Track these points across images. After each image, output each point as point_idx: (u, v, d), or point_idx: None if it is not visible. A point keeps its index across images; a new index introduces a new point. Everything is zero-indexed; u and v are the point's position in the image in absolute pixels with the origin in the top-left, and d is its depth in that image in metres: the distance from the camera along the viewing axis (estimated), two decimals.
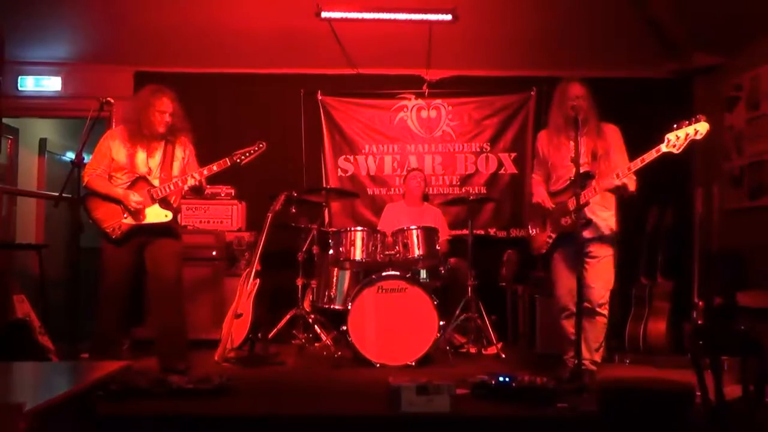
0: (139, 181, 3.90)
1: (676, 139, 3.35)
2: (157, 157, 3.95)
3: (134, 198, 3.85)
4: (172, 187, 3.91)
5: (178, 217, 4.21)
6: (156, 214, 3.90)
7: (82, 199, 3.85)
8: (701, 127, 3.33)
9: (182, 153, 4.03)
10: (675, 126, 3.38)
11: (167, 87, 4.01)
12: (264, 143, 4.04)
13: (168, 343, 4.00)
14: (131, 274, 3.98)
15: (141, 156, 3.93)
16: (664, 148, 3.38)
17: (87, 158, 3.81)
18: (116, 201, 3.87)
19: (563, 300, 3.79)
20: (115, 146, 3.93)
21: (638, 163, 3.42)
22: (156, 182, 3.91)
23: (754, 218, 5.03)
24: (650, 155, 3.40)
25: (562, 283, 3.79)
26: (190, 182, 3.91)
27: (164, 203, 3.93)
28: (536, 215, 3.94)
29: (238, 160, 3.95)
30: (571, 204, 3.62)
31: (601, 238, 3.70)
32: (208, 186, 5.26)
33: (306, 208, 5.17)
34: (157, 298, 4.01)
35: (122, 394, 3.16)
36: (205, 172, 3.93)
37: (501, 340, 4.84)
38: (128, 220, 3.87)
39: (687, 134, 3.33)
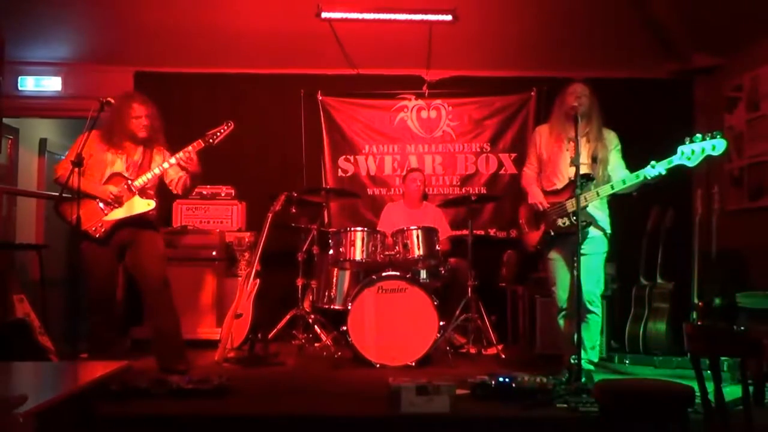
0: (114, 176, 3.90)
1: (691, 153, 3.34)
2: (136, 157, 3.98)
3: (112, 189, 3.85)
4: (150, 176, 3.92)
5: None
6: (139, 205, 3.90)
7: (55, 207, 3.82)
8: (719, 144, 3.30)
9: (161, 158, 4.04)
10: (688, 139, 3.36)
11: (137, 92, 4.08)
12: (232, 122, 4.06)
13: (165, 345, 4.00)
14: (116, 274, 3.99)
15: (119, 157, 3.95)
16: (676, 159, 3.37)
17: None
18: (92, 197, 3.82)
19: (560, 300, 3.81)
20: (94, 145, 3.89)
21: (652, 171, 3.41)
22: (134, 178, 3.93)
23: (754, 219, 5.03)
24: (662, 165, 3.39)
25: (559, 283, 3.81)
26: (165, 166, 3.92)
27: (144, 194, 3.94)
28: (529, 213, 3.95)
29: (211, 141, 3.98)
30: (570, 206, 3.63)
31: (593, 238, 3.70)
32: (208, 186, 5.30)
33: (306, 208, 5.17)
34: (148, 300, 4.01)
35: (122, 394, 3.16)
36: (181, 154, 3.92)
37: (501, 341, 4.84)
38: (111, 216, 3.86)
39: (704, 149, 3.32)
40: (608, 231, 3.76)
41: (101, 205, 3.87)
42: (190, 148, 3.93)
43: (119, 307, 4.11)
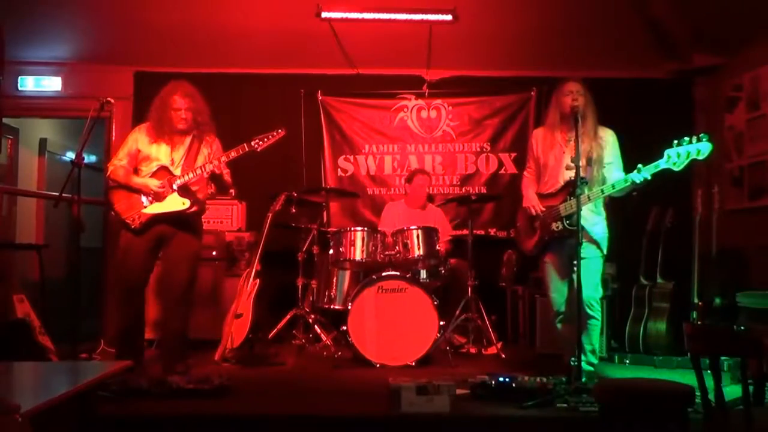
0: (161, 170, 3.90)
1: (677, 157, 3.31)
2: (181, 150, 3.95)
3: (155, 183, 3.85)
4: (191, 175, 3.87)
5: (202, 213, 4.14)
6: (174, 202, 3.87)
7: (105, 193, 3.92)
8: (703, 147, 3.29)
9: (208, 149, 4.01)
10: (675, 142, 3.34)
11: (184, 82, 3.99)
12: (284, 130, 4.00)
13: (169, 346, 4.01)
14: (149, 265, 3.97)
15: (164, 149, 3.94)
16: (663, 164, 3.34)
17: (87, 158, 3.83)
18: (136, 191, 3.88)
19: (556, 304, 3.79)
20: (141, 139, 3.96)
21: (637, 176, 3.39)
22: (177, 172, 3.90)
23: (754, 218, 5.03)
24: (648, 170, 3.37)
25: (553, 287, 3.79)
26: (209, 168, 3.86)
27: (184, 192, 3.89)
28: (525, 217, 3.93)
29: (255, 146, 3.91)
30: (563, 210, 3.62)
31: (590, 241, 3.66)
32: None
33: (306, 208, 5.17)
34: (165, 299, 4.01)
35: (122, 394, 3.16)
36: (224, 158, 3.89)
37: (501, 340, 4.84)
38: (148, 210, 3.87)
39: (689, 153, 3.29)
40: (606, 234, 3.73)
41: (143, 198, 3.89)
42: (233, 153, 3.90)
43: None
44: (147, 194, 3.87)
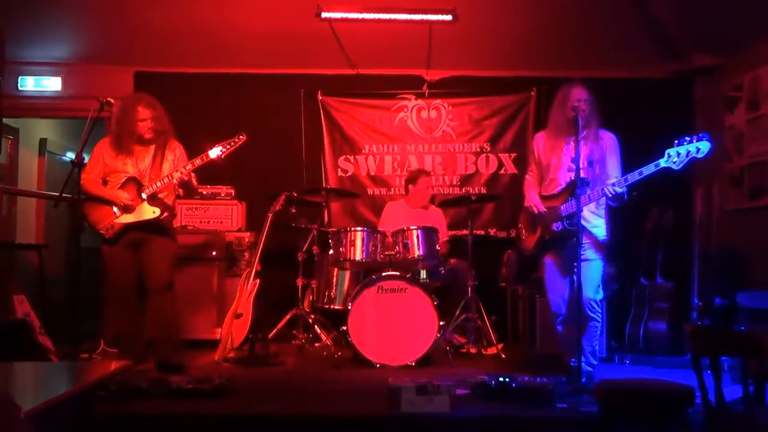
0: (129, 181, 4.00)
1: (677, 156, 3.32)
2: (147, 160, 4.05)
3: (124, 195, 3.95)
4: (159, 184, 3.98)
5: (173, 218, 4.27)
6: (145, 211, 3.99)
7: (80, 205, 3.95)
8: (703, 146, 3.29)
9: (172, 155, 4.11)
10: (676, 142, 3.35)
11: (144, 94, 4.10)
12: (244, 135, 4.09)
13: (163, 340, 4.06)
14: (133, 271, 4.07)
15: (130, 161, 4.04)
16: (663, 163, 3.35)
17: (87, 158, 3.88)
18: (107, 202, 3.98)
19: (555, 305, 3.78)
20: (106, 152, 4.05)
21: (636, 176, 3.40)
22: (146, 181, 4.00)
23: (754, 218, 5.03)
24: (648, 169, 3.37)
25: (553, 288, 3.79)
26: (176, 176, 3.96)
27: (153, 200, 4.00)
28: (527, 217, 3.93)
29: (220, 153, 4.01)
30: (564, 210, 3.62)
31: (590, 243, 3.67)
32: (208, 186, 5.29)
33: (306, 208, 5.17)
34: (150, 300, 4.07)
35: (122, 394, 3.16)
36: (189, 166, 3.99)
37: (501, 341, 4.83)
38: (120, 220, 3.98)
39: (688, 152, 3.30)
40: (605, 236, 3.72)
41: (114, 208, 3.99)
42: (197, 161, 3.99)
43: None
44: (118, 206, 3.97)
